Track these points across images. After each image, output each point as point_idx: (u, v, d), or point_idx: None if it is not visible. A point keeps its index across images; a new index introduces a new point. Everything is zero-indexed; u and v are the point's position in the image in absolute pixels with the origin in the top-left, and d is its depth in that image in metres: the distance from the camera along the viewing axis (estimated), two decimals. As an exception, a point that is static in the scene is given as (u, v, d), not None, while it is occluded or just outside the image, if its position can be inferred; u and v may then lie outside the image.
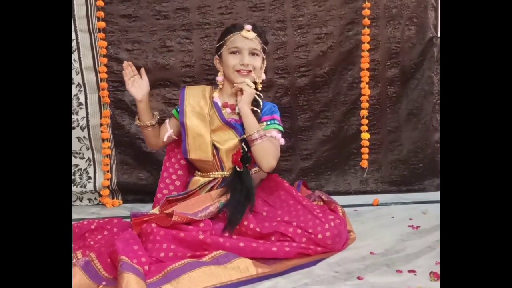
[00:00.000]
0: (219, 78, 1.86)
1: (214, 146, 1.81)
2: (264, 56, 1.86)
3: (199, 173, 1.88)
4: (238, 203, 1.65)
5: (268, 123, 1.80)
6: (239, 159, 1.74)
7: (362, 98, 2.25)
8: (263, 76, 1.87)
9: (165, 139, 1.91)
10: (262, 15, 2.19)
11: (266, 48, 1.87)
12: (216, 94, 1.87)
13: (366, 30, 2.19)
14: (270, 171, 1.77)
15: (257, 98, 1.82)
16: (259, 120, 1.78)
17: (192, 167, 1.93)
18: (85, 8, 2.13)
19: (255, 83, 1.83)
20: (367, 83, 2.23)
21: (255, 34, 1.79)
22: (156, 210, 1.73)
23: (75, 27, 2.13)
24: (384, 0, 2.21)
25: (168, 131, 1.90)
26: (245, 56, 1.78)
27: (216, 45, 1.87)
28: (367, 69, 2.22)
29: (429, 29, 2.25)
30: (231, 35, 1.80)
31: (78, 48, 2.15)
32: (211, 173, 1.85)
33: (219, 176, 1.84)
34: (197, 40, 2.19)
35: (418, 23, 2.25)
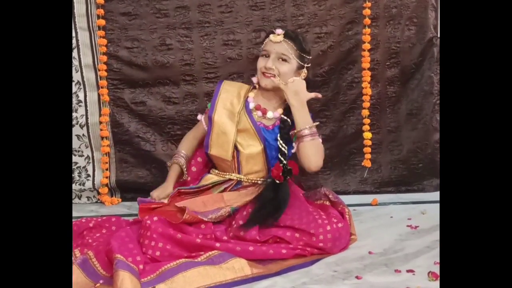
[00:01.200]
0: (254, 79, 1.89)
1: (236, 148, 1.80)
2: (304, 64, 1.83)
3: (215, 171, 1.87)
4: (263, 209, 1.64)
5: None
6: (281, 174, 1.69)
7: (364, 97, 2.24)
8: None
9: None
10: (262, 14, 2.18)
11: (305, 56, 1.83)
12: (251, 94, 1.88)
13: (367, 30, 2.19)
14: (317, 170, 1.75)
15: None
16: (290, 130, 1.75)
17: (210, 162, 1.92)
18: (85, 6, 2.12)
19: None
20: (368, 83, 2.23)
21: (283, 38, 1.78)
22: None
23: (75, 25, 2.12)
24: (384, 0, 2.21)
25: (205, 127, 1.91)
26: (270, 60, 1.79)
27: None
28: (368, 69, 2.22)
29: (429, 29, 2.24)
30: (266, 39, 1.84)
31: (77, 46, 2.14)
32: (227, 173, 1.84)
33: (235, 178, 1.83)
34: (197, 38, 2.19)
35: (418, 23, 2.24)
